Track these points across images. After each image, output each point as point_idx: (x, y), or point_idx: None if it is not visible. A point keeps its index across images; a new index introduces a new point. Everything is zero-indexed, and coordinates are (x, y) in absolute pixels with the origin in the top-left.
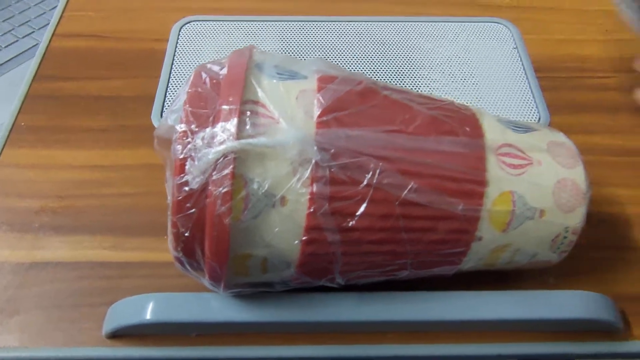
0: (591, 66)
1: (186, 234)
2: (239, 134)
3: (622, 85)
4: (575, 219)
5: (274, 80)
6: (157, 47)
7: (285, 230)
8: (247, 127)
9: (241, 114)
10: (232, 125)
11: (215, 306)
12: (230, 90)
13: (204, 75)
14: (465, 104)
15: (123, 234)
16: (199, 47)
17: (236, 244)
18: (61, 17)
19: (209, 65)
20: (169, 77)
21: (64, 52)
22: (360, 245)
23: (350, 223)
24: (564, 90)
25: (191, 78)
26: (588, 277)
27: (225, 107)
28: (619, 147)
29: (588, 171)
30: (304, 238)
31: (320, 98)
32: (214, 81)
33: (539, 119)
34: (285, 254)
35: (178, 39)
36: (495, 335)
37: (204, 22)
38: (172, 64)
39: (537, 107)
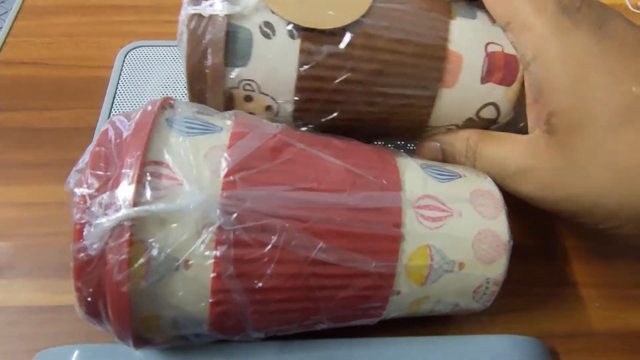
0: None
1: (88, 299)
2: (137, 199)
3: None
4: (497, 270)
5: (182, 137)
6: (101, 75)
7: (191, 293)
8: (147, 191)
9: (141, 178)
10: (129, 190)
11: (140, 358)
12: (131, 152)
13: (110, 132)
14: (392, 150)
15: (57, 276)
16: (145, 73)
17: (140, 308)
18: (4, 43)
19: (117, 120)
20: (112, 107)
21: (5, 81)
22: (270, 304)
23: (258, 284)
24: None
25: (98, 135)
26: (522, 314)
27: (124, 170)
28: None
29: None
30: (210, 300)
31: (228, 156)
32: (118, 140)
33: None
34: (194, 315)
35: (123, 65)
36: None
37: (151, 48)
38: (115, 92)
39: None
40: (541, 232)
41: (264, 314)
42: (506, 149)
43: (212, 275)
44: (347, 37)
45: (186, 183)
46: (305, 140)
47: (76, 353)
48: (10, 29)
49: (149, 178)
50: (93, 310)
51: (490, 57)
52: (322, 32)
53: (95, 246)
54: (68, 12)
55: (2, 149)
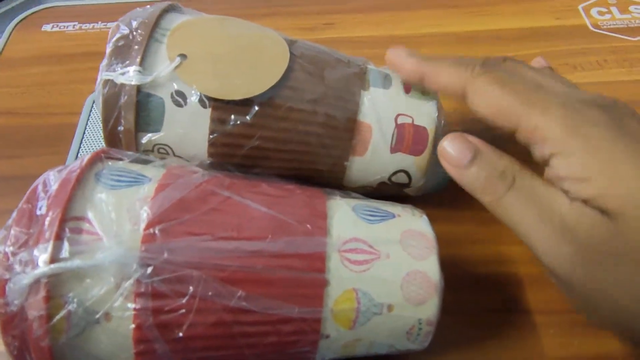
0: None
1: (15, 352)
2: (55, 256)
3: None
4: (428, 310)
5: (107, 192)
6: (71, 121)
7: (113, 344)
8: (64, 248)
9: (59, 235)
10: (47, 248)
11: None
12: (52, 208)
13: (39, 189)
14: (326, 191)
15: None
16: None
17: None
18: None
19: (47, 176)
20: (78, 153)
21: None
22: (194, 352)
23: (179, 334)
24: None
25: (27, 192)
26: (474, 344)
27: (44, 228)
28: None
29: (486, 229)
30: (134, 351)
31: (148, 209)
32: (43, 198)
33: None
34: None
35: (91, 111)
36: None
37: None
38: (82, 138)
39: None
40: (493, 260)
41: None
42: (556, 194)
43: (133, 326)
44: (255, 107)
45: (105, 238)
46: (232, 187)
47: None
48: None
49: (68, 235)
50: None
51: (399, 128)
52: (231, 101)
53: (16, 302)
54: (41, 62)
55: None
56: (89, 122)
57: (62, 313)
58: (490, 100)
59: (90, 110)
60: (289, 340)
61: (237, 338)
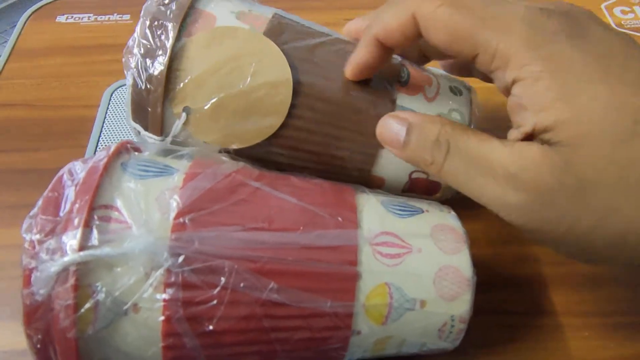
0: None
1: (38, 345)
2: (83, 244)
3: None
4: (461, 307)
5: (135, 181)
6: (88, 114)
7: (141, 337)
8: (93, 236)
9: (88, 223)
10: (75, 236)
11: None
12: (80, 196)
13: (65, 178)
14: (354, 186)
15: None
16: None
17: (89, 354)
18: None
19: (72, 166)
20: (97, 146)
21: None
22: (224, 347)
23: (209, 327)
24: None
25: (53, 181)
26: (507, 347)
27: (72, 215)
28: None
29: (511, 230)
30: (162, 344)
31: (178, 199)
32: (70, 186)
33: None
34: None
35: (109, 104)
36: None
37: None
38: (101, 131)
39: None
40: (520, 260)
41: (219, 358)
42: (491, 146)
43: (162, 318)
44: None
45: (135, 226)
46: (261, 179)
47: None
48: (2, 71)
49: (97, 222)
50: (44, 358)
51: (413, 181)
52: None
53: (42, 292)
54: (57, 54)
55: None
56: (107, 115)
57: (90, 303)
58: (442, 25)
59: (109, 103)
60: (320, 336)
61: (268, 333)
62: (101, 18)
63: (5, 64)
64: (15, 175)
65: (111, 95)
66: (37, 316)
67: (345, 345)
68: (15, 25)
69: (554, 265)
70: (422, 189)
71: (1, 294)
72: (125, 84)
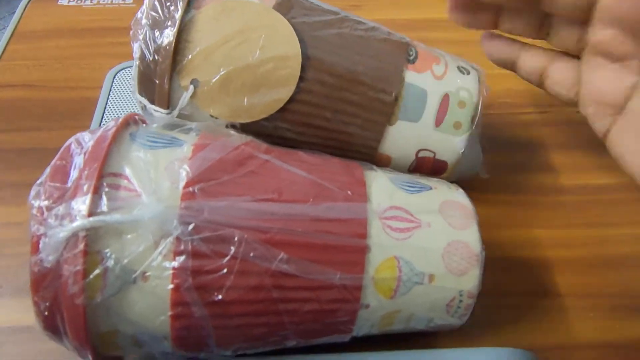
0: (526, 101)
1: (46, 313)
2: (93, 210)
3: (557, 120)
4: (470, 282)
5: (144, 150)
6: (91, 96)
7: (149, 306)
8: (103, 202)
9: (97, 189)
10: (85, 201)
11: None
12: (89, 164)
13: (72, 147)
14: (361, 163)
15: None
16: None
17: (97, 323)
18: None
19: (81, 136)
20: (100, 127)
21: None
22: (232, 318)
23: (218, 297)
24: (496, 127)
25: (61, 150)
26: (512, 327)
27: (82, 181)
28: (550, 186)
29: (516, 213)
30: (170, 313)
31: (188, 168)
32: (80, 154)
33: None
34: (154, 330)
35: (112, 86)
36: None
37: None
38: (104, 112)
39: None
40: (525, 243)
41: (227, 329)
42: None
43: (171, 287)
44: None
45: (144, 194)
46: (270, 153)
47: None
48: (3, 52)
49: (106, 189)
50: (51, 325)
51: (419, 161)
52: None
53: (50, 258)
54: (59, 36)
55: None
56: (110, 97)
57: (99, 270)
58: None
59: (112, 85)
60: (328, 309)
61: (277, 304)
62: (104, 1)
63: (6, 45)
64: (17, 155)
65: (114, 77)
66: (45, 283)
67: (354, 319)
68: (14, 12)
69: (558, 248)
70: (428, 168)
71: (4, 271)
72: (128, 66)
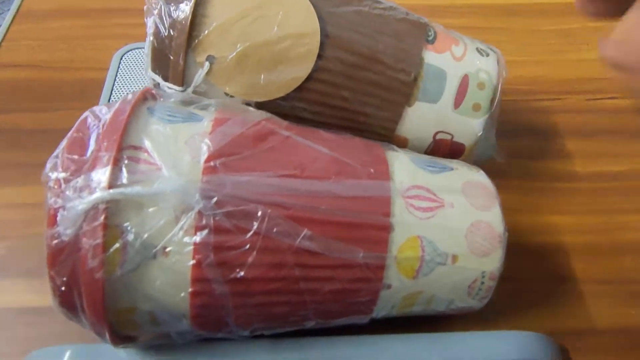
0: (541, 88)
1: (62, 288)
2: (113, 182)
3: (571, 107)
4: (492, 263)
5: (163, 124)
6: (97, 77)
7: (169, 282)
8: (123, 175)
9: (117, 161)
10: (105, 173)
11: (125, 358)
12: (108, 136)
13: (89, 119)
14: (381, 143)
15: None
16: (140, 75)
17: (115, 298)
18: None
19: (97, 109)
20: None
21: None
22: (253, 296)
23: (240, 274)
24: (512, 114)
25: (77, 123)
26: (528, 311)
27: (101, 153)
28: (564, 172)
29: (531, 199)
30: (190, 290)
31: (209, 142)
32: (97, 127)
33: None
34: (173, 307)
35: (119, 67)
36: None
37: None
38: (111, 94)
39: None
40: (539, 229)
41: (247, 307)
42: None
43: (192, 262)
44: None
45: (165, 168)
46: (290, 129)
47: (68, 353)
48: (7, 32)
49: (126, 162)
50: (68, 301)
51: (437, 143)
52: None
53: (68, 231)
54: (64, 16)
55: None
56: (117, 78)
57: (119, 244)
58: None
59: (118, 67)
60: (350, 288)
61: (299, 282)
62: None
63: (10, 25)
64: (23, 135)
65: (121, 58)
66: (62, 257)
67: (375, 299)
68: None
69: (574, 234)
70: (446, 151)
71: (11, 253)
72: (136, 48)
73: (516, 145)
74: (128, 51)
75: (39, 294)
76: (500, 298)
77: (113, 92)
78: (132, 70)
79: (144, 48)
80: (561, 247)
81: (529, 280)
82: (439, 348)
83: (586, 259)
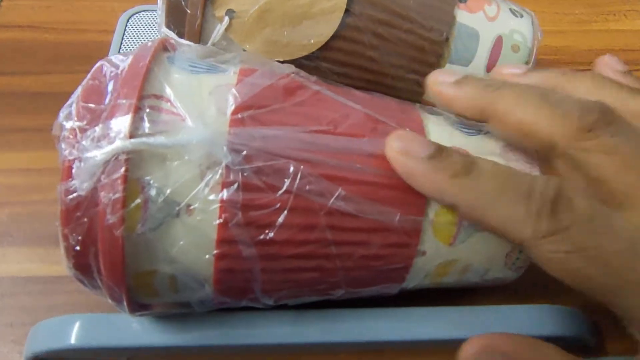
0: (566, 59)
1: (77, 248)
2: (134, 132)
3: None
4: None
5: (186, 74)
6: (103, 39)
7: (192, 243)
8: (145, 124)
9: (138, 110)
10: (125, 121)
11: (138, 329)
12: (128, 83)
13: (105, 67)
14: (410, 103)
15: (53, 245)
16: (148, 38)
17: (135, 260)
18: None
19: (114, 58)
20: None
21: (0, 45)
22: (281, 260)
23: (269, 235)
24: None
25: (92, 70)
26: (560, 285)
27: (120, 101)
28: None
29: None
30: (215, 252)
31: (236, 93)
32: (114, 74)
33: None
34: (195, 271)
35: (125, 30)
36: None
37: (154, 12)
38: None
39: None
40: None
41: (275, 272)
42: None
43: (218, 222)
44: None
45: (189, 118)
46: (320, 84)
47: (78, 323)
48: None
49: (147, 110)
50: (82, 263)
51: None
52: None
53: (85, 185)
54: None
55: None
56: (123, 41)
57: (139, 199)
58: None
59: (125, 29)
60: (384, 254)
61: (330, 246)
62: None
63: None
64: (27, 98)
65: (127, 21)
66: (78, 213)
67: (409, 267)
68: None
69: None
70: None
71: (14, 219)
72: (143, 10)
73: None
74: (135, 13)
75: (43, 262)
76: (528, 270)
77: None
78: (139, 33)
79: (151, 10)
80: None
81: None
82: (469, 321)
83: None
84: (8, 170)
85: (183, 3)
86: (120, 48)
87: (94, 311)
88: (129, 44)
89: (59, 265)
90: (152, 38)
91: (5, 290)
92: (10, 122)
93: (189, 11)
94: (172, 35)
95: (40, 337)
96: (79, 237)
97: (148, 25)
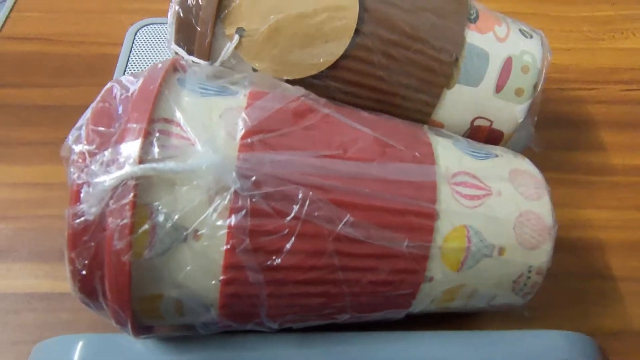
0: (574, 77)
1: (83, 272)
2: (143, 157)
3: (606, 97)
4: (540, 257)
5: (196, 96)
6: (110, 52)
7: (199, 268)
8: (154, 149)
9: (148, 134)
10: (134, 147)
11: (142, 350)
12: (138, 107)
13: (115, 89)
14: (419, 124)
15: (58, 261)
16: (155, 52)
17: (141, 284)
18: (7, 18)
19: (124, 79)
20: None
21: (7, 56)
22: (288, 285)
23: (276, 261)
24: (544, 103)
25: (101, 92)
26: (567, 311)
27: (130, 125)
28: (600, 165)
29: (566, 192)
30: (222, 278)
31: (246, 117)
32: (125, 96)
33: None
34: (201, 296)
35: (133, 43)
36: None
37: (162, 26)
38: (125, 70)
39: None
40: (577, 224)
41: (281, 298)
42: None
43: (225, 247)
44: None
45: (199, 143)
46: (330, 107)
47: (81, 343)
48: (15, 3)
49: (157, 135)
50: (88, 286)
51: (474, 129)
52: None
53: (93, 210)
54: None
55: (5, 126)
56: (131, 55)
57: (147, 225)
58: None
59: (133, 42)
60: (391, 280)
61: (338, 272)
62: None
63: None
64: (34, 111)
65: (135, 33)
66: (85, 238)
67: (415, 292)
68: None
69: (610, 230)
70: (483, 138)
71: (19, 234)
72: (151, 23)
73: (548, 135)
74: (143, 26)
75: (48, 278)
76: (538, 295)
77: (127, 69)
78: (147, 47)
79: (159, 24)
80: (597, 243)
81: (563, 277)
82: (475, 347)
83: (623, 256)
84: (13, 185)
85: (193, 20)
86: (127, 61)
87: (98, 329)
88: (137, 58)
89: (64, 281)
90: (160, 52)
91: (10, 306)
92: (16, 134)
93: (199, 28)
94: (181, 52)
95: (43, 357)
96: (86, 261)
97: (156, 39)
